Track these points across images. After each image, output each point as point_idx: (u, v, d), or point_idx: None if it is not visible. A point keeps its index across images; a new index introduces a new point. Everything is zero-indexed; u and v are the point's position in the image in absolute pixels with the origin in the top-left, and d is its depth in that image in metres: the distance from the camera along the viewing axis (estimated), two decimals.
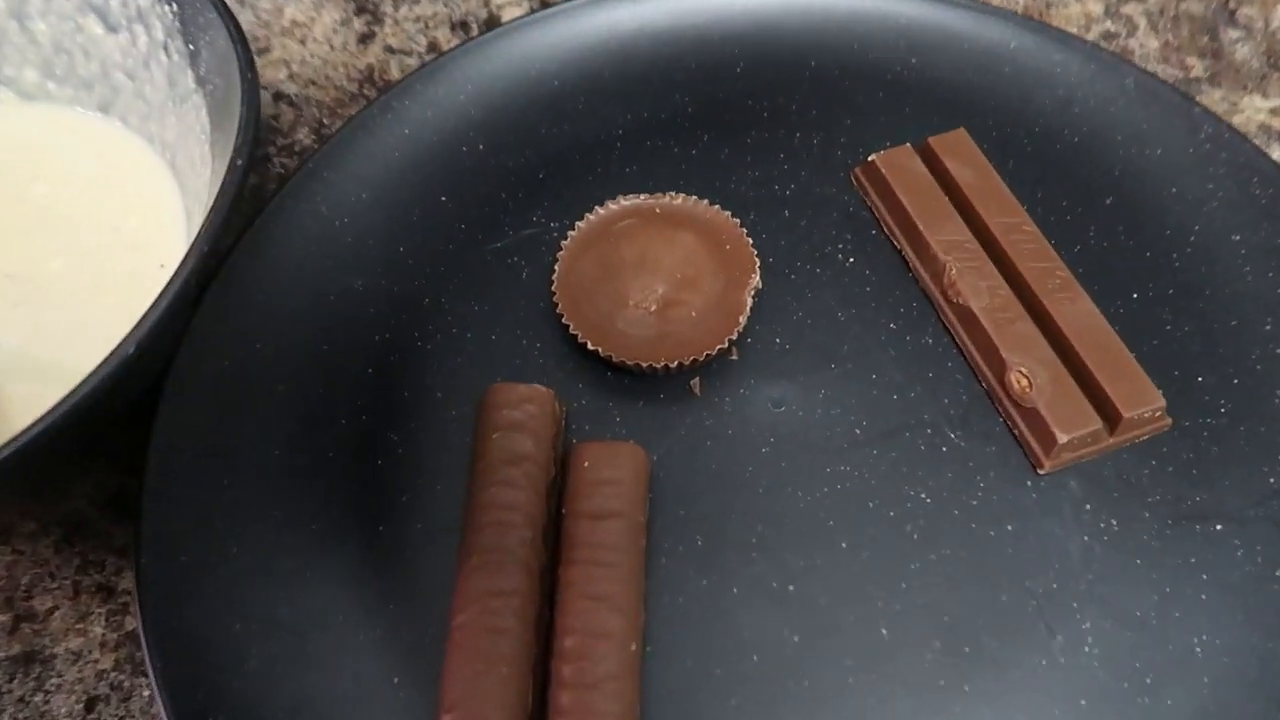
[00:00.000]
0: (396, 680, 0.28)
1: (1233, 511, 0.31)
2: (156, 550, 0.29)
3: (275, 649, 0.28)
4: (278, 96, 0.42)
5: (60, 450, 0.28)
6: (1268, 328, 0.34)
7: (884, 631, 0.29)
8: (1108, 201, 0.37)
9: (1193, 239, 0.36)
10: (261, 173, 0.40)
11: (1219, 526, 0.30)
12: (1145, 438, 0.32)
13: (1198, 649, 0.28)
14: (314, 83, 0.42)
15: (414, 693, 0.28)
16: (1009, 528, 0.30)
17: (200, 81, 0.32)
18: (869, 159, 0.36)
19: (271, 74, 0.42)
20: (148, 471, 0.30)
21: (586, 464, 0.29)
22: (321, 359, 0.34)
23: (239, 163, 0.26)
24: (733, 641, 0.29)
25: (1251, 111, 0.40)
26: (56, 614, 0.30)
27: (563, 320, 0.33)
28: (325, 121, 0.41)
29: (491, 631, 0.27)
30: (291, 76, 0.42)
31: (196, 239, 0.25)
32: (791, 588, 0.30)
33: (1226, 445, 0.32)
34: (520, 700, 0.26)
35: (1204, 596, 0.29)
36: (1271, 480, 0.31)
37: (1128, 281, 0.35)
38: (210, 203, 0.26)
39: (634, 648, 0.27)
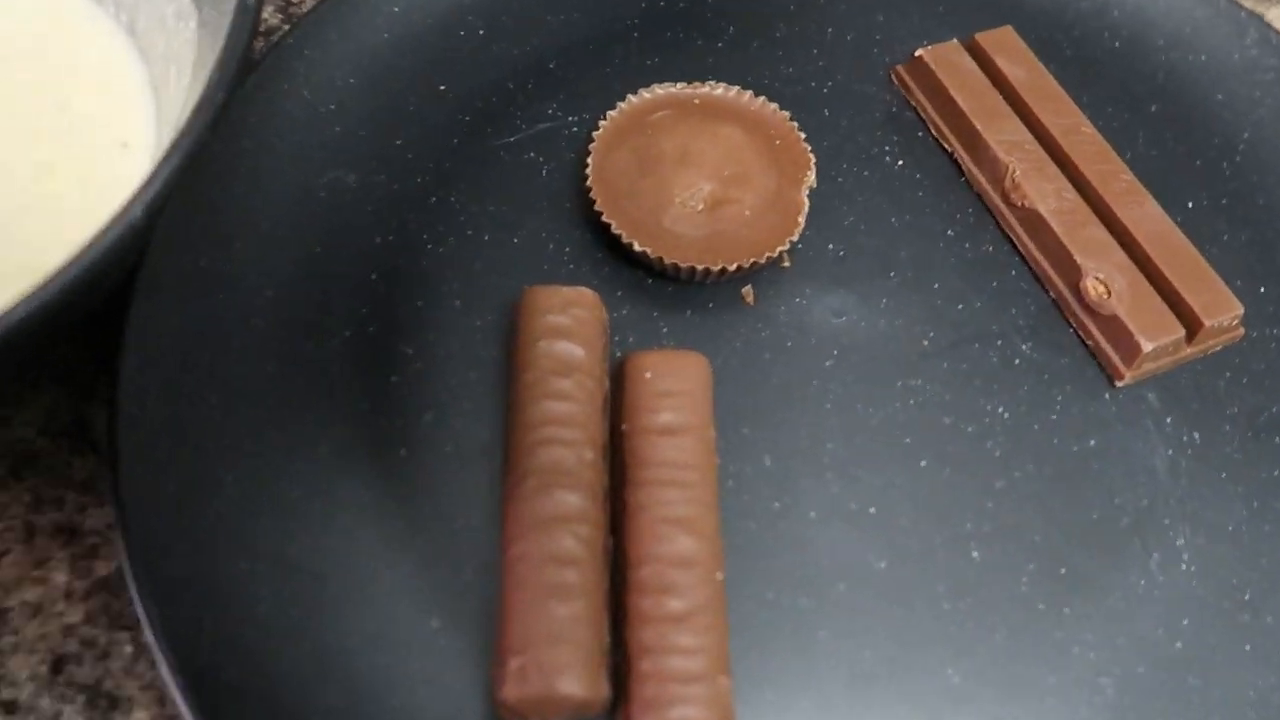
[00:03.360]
0: (436, 625, 0.24)
1: None
2: (137, 481, 0.24)
3: (289, 592, 0.24)
4: None
5: (6, 367, 0.23)
6: None
7: (975, 554, 0.26)
8: (1152, 109, 0.35)
9: (1242, 147, 0.34)
10: None
11: None
12: (1218, 348, 0.30)
13: None
14: None
15: (457, 637, 0.24)
16: (1091, 443, 0.28)
17: None
18: (916, 54, 0.34)
19: None
20: (120, 390, 0.25)
21: (648, 374, 0.26)
22: (314, 262, 0.29)
23: (245, 19, 0.21)
24: (815, 569, 0.26)
25: (1278, 20, 0.39)
26: (6, 559, 0.25)
27: (602, 219, 0.29)
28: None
29: (557, 562, 0.23)
30: None
31: (193, 117, 0.20)
32: (872, 510, 0.27)
33: None
34: (597, 638, 0.23)
35: None
36: None
37: (1180, 191, 0.33)
38: (203, 73, 0.21)
39: (719, 576, 0.24)
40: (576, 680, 0.22)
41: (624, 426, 0.26)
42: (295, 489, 0.25)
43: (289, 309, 0.28)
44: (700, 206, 0.30)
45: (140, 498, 0.24)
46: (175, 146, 0.19)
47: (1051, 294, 0.31)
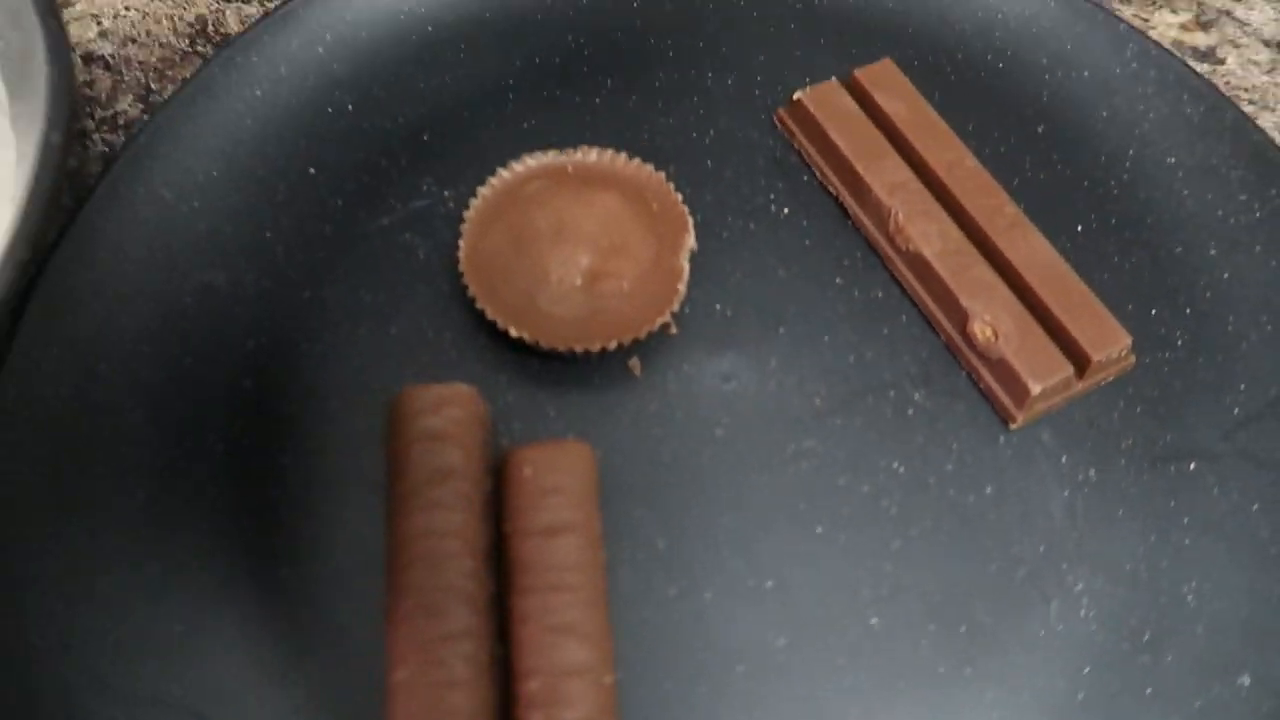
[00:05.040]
0: None
1: (1203, 448, 0.29)
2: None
3: None
4: (89, 59, 0.35)
5: None
6: (1212, 252, 0.32)
7: (874, 621, 0.26)
8: (1039, 130, 0.35)
9: (1128, 164, 0.34)
10: (80, 153, 0.33)
11: (1193, 465, 0.29)
12: (1110, 379, 0.30)
13: (1189, 596, 0.27)
14: (133, 40, 0.35)
15: None
16: (987, 490, 0.28)
17: None
18: (794, 97, 0.33)
19: (78, 32, 0.35)
20: None
21: (527, 471, 0.25)
22: (183, 375, 0.28)
23: (54, 138, 0.20)
24: (713, 653, 0.25)
25: (1164, 28, 0.39)
26: None
27: (476, 305, 0.28)
28: (153, 86, 0.34)
29: (441, 686, 0.22)
30: (104, 34, 0.35)
31: (12, 243, 0.19)
32: (769, 584, 0.26)
33: (1188, 378, 0.30)
34: None
35: (1188, 541, 0.28)
36: (1235, 411, 0.30)
37: (1069, 215, 0.33)
38: (23, 193, 0.20)
39: (609, 680, 0.23)
40: None
41: (506, 528, 0.25)
42: (170, 625, 0.25)
43: (157, 431, 0.27)
44: (578, 282, 0.29)
45: (4, 651, 0.23)
46: None
47: (942, 337, 0.30)
